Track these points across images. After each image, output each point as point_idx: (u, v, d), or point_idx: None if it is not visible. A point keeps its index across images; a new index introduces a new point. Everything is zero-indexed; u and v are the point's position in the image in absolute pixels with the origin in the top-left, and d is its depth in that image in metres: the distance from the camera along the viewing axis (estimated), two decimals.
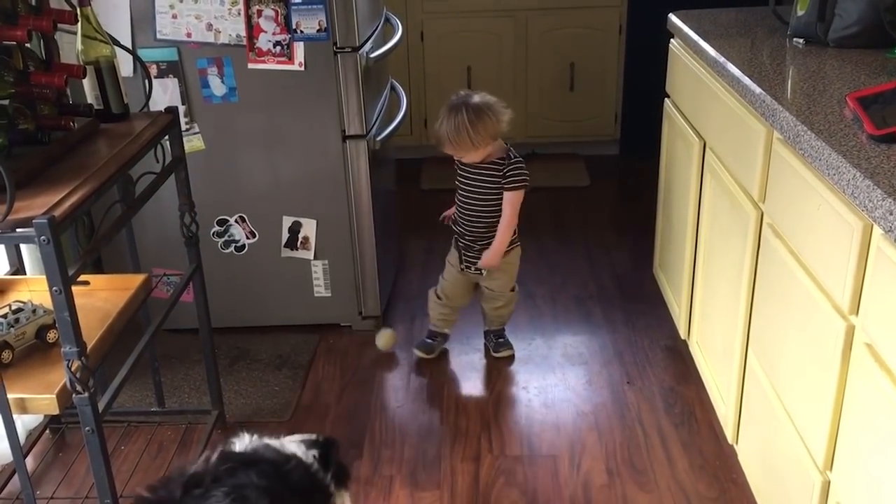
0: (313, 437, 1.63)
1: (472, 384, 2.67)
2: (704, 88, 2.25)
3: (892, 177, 1.31)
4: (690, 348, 2.55)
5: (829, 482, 1.52)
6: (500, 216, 2.56)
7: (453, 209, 2.68)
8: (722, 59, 2.07)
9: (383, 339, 2.81)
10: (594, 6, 4.15)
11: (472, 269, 2.64)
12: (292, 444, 1.57)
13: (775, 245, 1.74)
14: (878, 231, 1.31)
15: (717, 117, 2.16)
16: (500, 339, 2.79)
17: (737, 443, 2.12)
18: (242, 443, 1.55)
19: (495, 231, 2.57)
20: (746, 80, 1.88)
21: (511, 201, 2.53)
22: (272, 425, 2.46)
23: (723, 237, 2.14)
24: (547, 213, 3.87)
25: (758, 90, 1.80)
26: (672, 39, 2.66)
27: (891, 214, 1.22)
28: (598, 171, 4.30)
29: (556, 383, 2.65)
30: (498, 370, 2.73)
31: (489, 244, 2.58)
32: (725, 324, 2.12)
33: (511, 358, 2.76)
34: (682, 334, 2.61)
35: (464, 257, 2.65)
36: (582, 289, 3.21)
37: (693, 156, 2.37)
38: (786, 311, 1.70)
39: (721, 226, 2.16)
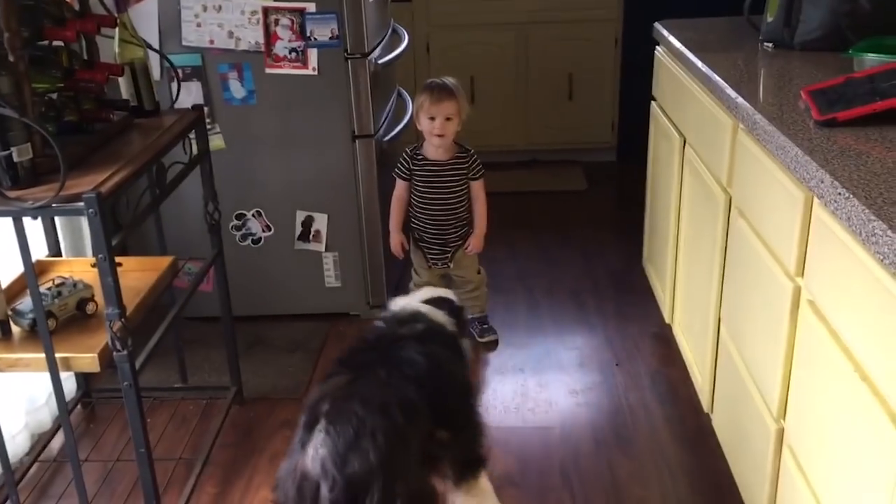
0: (445, 299, 2.17)
1: (471, 365, 2.86)
2: (683, 89, 2.46)
3: (828, 153, 1.51)
4: (674, 331, 2.74)
5: (783, 429, 1.71)
6: (465, 208, 2.85)
7: (401, 239, 2.89)
8: (696, 60, 2.28)
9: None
10: (592, 20, 4.38)
11: (440, 263, 2.89)
12: (438, 314, 2.07)
13: (740, 224, 1.95)
14: (817, 201, 1.50)
15: (693, 114, 2.37)
16: (485, 326, 3.00)
17: (712, 411, 2.31)
18: (407, 302, 2.10)
19: (463, 223, 2.86)
20: (715, 77, 2.09)
21: (482, 188, 2.85)
22: (286, 401, 2.66)
23: (699, 224, 2.35)
24: (546, 215, 4.08)
25: (723, 85, 2.01)
26: (657, 46, 2.88)
27: (822, 183, 1.42)
28: (596, 176, 4.51)
29: (550, 365, 2.84)
30: (497, 353, 2.92)
31: (458, 236, 2.86)
32: (701, 303, 2.32)
33: (495, 343, 2.97)
34: (667, 319, 2.81)
35: (429, 255, 2.89)
36: (577, 283, 3.41)
37: (674, 151, 2.57)
38: (748, 282, 1.90)
39: (697, 214, 2.36)
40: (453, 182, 2.80)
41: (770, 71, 2.20)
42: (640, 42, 2.93)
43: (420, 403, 1.68)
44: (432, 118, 2.72)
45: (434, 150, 2.79)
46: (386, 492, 1.53)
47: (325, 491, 1.55)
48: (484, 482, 2.05)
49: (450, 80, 2.78)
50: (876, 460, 1.29)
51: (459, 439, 1.90)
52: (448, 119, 2.72)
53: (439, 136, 2.74)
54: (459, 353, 2.08)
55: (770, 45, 2.38)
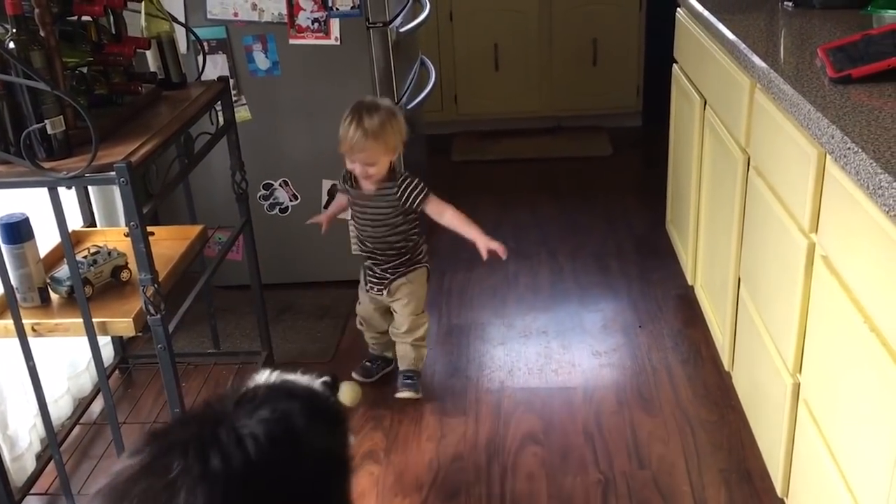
0: (315, 374, 1.80)
1: (496, 329, 2.91)
2: (703, 50, 2.46)
3: (840, 109, 1.52)
4: (696, 293, 2.76)
5: (799, 384, 1.74)
6: (406, 237, 2.43)
7: (322, 217, 2.57)
8: (714, 21, 2.28)
9: (347, 394, 1.93)
10: None
11: (376, 289, 2.50)
12: (304, 379, 1.75)
13: (757, 184, 1.96)
14: (829, 157, 1.52)
15: (712, 75, 2.37)
16: (408, 381, 2.55)
17: (732, 368, 2.34)
18: (264, 376, 1.71)
19: (404, 252, 2.45)
20: (732, 37, 2.09)
21: (439, 204, 2.40)
22: (316, 365, 2.73)
23: (719, 185, 2.36)
24: (570, 181, 4.09)
25: (740, 45, 2.02)
26: (678, 8, 2.87)
27: (832, 138, 1.43)
28: (621, 141, 4.51)
29: (573, 328, 2.88)
30: (521, 317, 2.96)
31: (397, 265, 2.46)
32: (722, 262, 2.34)
33: (413, 401, 2.52)
34: (690, 280, 2.83)
35: (367, 278, 2.52)
36: (601, 247, 3.43)
37: (695, 113, 2.58)
38: (765, 240, 1.92)
39: (718, 174, 2.38)
40: (381, 214, 2.40)
41: (788, 30, 2.20)
42: (665, 5, 2.90)
43: None
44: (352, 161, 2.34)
45: (362, 180, 2.40)
46: None
47: None
48: None
49: (379, 108, 2.32)
50: (885, 411, 1.32)
51: None
52: (369, 165, 2.32)
53: (364, 177, 2.37)
54: (331, 421, 1.70)
55: (790, 4, 2.37)
